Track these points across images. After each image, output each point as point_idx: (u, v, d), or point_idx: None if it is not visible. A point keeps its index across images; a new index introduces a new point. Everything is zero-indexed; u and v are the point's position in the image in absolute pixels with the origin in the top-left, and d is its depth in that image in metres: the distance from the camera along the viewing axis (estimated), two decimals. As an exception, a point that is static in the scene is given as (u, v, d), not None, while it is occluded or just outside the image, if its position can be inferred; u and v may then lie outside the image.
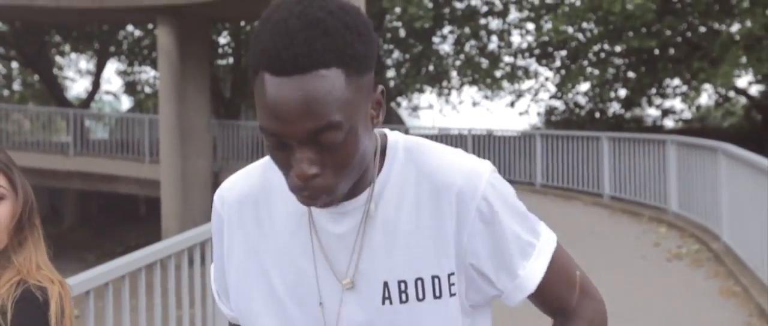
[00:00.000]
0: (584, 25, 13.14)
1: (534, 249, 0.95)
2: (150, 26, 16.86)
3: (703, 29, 12.61)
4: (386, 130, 0.96)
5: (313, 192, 0.82)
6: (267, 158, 0.99)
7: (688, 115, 15.95)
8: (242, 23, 16.65)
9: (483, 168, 0.92)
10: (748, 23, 11.27)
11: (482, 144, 11.89)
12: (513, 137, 11.77)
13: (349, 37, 0.78)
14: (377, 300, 0.91)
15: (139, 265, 2.87)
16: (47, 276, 1.24)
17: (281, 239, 0.95)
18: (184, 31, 11.44)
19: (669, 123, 15.67)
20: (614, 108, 15.08)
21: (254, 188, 0.98)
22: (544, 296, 0.98)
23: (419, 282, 0.91)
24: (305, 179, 0.80)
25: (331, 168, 0.81)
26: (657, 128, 14.95)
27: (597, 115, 14.84)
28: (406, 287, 0.91)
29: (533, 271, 0.94)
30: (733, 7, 11.96)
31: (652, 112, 15.79)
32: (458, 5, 15.87)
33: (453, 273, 0.91)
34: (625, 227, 7.63)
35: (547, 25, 13.49)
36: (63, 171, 13.69)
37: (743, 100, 15.32)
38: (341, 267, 0.92)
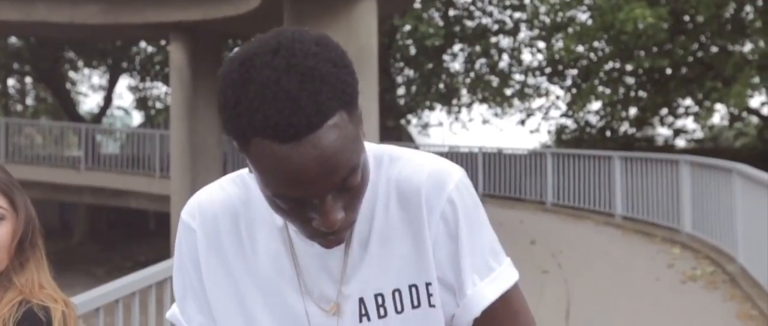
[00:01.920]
0: (595, 44, 13.12)
1: (491, 272, 0.89)
2: (162, 42, 17.00)
3: (715, 49, 12.56)
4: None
5: (339, 236, 0.79)
6: (241, 173, 0.92)
7: (699, 134, 15.85)
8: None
9: (451, 171, 0.88)
10: (761, 43, 11.22)
11: (492, 162, 11.84)
12: (523, 155, 11.72)
13: (342, 75, 0.73)
14: (355, 320, 0.87)
15: (149, 282, 2.85)
16: (50, 296, 1.22)
17: (262, 260, 0.88)
18: (197, 48, 11.52)
19: (681, 143, 15.58)
20: (625, 127, 15.01)
21: (231, 201, 0.89)
22: None
23: (396, 294, 0.87)
24: (334, 228, 0.76)
25: (351, 206, 0.79)
26: (668, 148, 14.86)
27: (608, 134, 14.77)
28: (383, 300, 0.87)
29: (483, 294, 0.87)
30: (745, 27, 11.91)
31: (664, 132, 15.71)
32: (469, 23, 15.91)
33: (430, 283, 0.87)
34: (638, 247, 7.54)
35: (559, 44, 13.49)
36: (74, 185, 13.74)
37: (755, 120, 15.21)
38: (325, 291, 0.87)
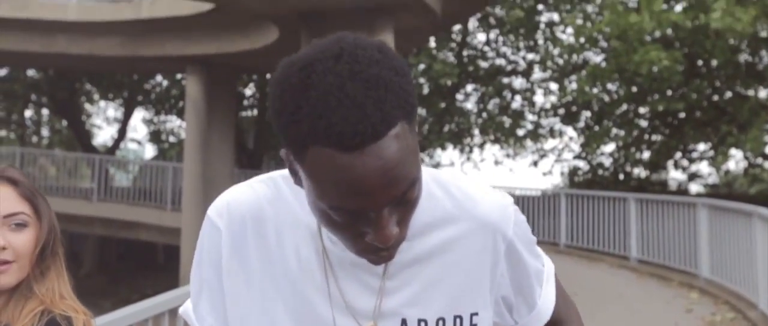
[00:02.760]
0: (609, 85, 13.12)
1: (543, 275, 0.96)
2: (178, 76, 17.19)
3: (729, 94, 12.53)
4: None
5: (391, 251, 0.76)
6: (272, 175, 0.88)
7: (713, 179, 15.70)
8: (268, 75, 16.88)
9: (510, 202, 0.90)
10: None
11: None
12: (536, 197, 11.64)
13: (404, 85, 0.71)
14: None
15: (162, 309, 2.78)
16: (71, 306, 1.19)
17: (290, 266, 0.84)
18: (212, 81, 11.62)
19: (695, 187, 15.43)
20: (639, 170, 14.91)
21: (260, 203, 0.85)
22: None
23: (440, 323, 0.85)
24: (389, 243, 0.73)
25: (404, 221, 0.76)
26: (682, 192, 14.71)
27: (621, 176, 14.67)
28: None
29: (548, 298, 0.95)
30: (761, 71, 11.89)
31: (678, 176, 15.58)
32: (482, 64, 16.00)
33: (476, 314, 0.86)
34: (654, 291, 7.39)
35: (572, 86, 13.48)
36: (85, 216, 13.76)
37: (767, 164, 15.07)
38: (362, 307, 0.83)
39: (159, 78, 18.63)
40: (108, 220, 13.69)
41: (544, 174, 18.70)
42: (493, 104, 16.10)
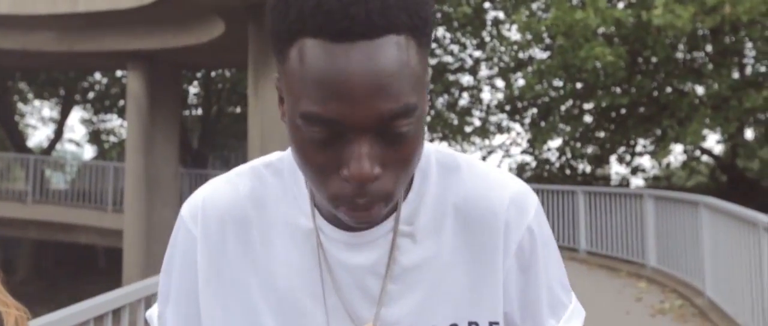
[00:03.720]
0: (555, 82, 13.34)
1: (566, 311, 0.79)
2: (118, 73, 16.61)
3: (669, 90, 12.91)
4: None
5: (370, 201, 0.62)
6: (254, 164, 0.77)
7: (654, 173, 16.17)
8: (213, 74, 16.52)
9: (530, 193, 0.77)
10: (715, 85, 11.57)
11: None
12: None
13: None
14: None
15: (104, 310, 2.60)
16: (2, 300, 1.04)
17: (280, 272, 0.73)
18: (155, 78, 11.25)
19: (636, 181, 15.87)
20: (584, 165, 15.22)
21: (242, 201, 0.75)
22: None
23: None
24: (366, 180, 0.60)
25: (392, 169, 0.63)
26: (625, 186, 15.09)
27: (567, 171, 14.94)
28: None
29: None
30: (698, 68, 12.29)
31: (620, 171, 15.99)
32: (430, 60, 16.04)
33: (497, 323, 0.74)
34: (604, 282, 7.50)
35: (519, 82, 13.64)
36: (19, 219, 13.14)
37: (706, 159, 15.62)
38: (360, 313, 0.73)
39: (98, 75, 17.97)
40: (44, 223, 13.10)
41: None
42: (440, 102, 16.16)
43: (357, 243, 0.72)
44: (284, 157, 0.77)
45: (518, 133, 15.85)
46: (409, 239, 0.73)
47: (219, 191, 0.76)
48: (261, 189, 0.75)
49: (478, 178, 0.75)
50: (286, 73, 0.62)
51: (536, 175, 14.99)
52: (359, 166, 0.60)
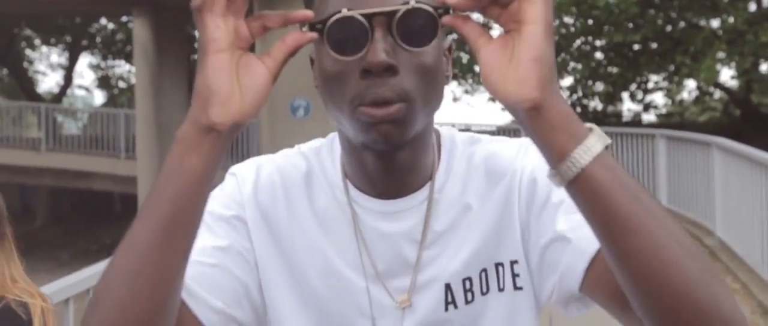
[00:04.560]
0: (566, 19, 13.10)
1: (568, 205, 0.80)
2: (124, 19, 16.46)
3: (683, 24, 12.65)
4: (436, 127, 0.85)
5: (389, 96, 0.70)
6: (297, 148, 0.86)
7: (666, 109, 16.03)
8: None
9: (527, 141, 0.83)
10: (730, 18, 11.31)
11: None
12: (493, 132, 11.69)
13: None
14: (440, 309, 0.80)
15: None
16: (26, 290, 1.07)
17: (320, 242, 0.81)
18: (161, 24, 11.14)
19: (649, 117, 15.74)
20: (595, 102, 15.10)
21: (291, 175, 0.83)
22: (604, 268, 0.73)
23: (483, 274, 0.81)
24: (380, 66, 0.69)
25: (409, 72, 0.71)
26: (636, 123, 15.00)
27: (578, 109, 14.85)
28: (471, 284, 0.80)
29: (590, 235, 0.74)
30: (714, 2, 12.00)
31: (633, 107, 15.85)
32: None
33: (517, 262, 0.81)
34: (614, 222, 7.57)
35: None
36: (34, 167, 13.31)
37: (719, 93, 15.44)
38: (395, 280, 0.80)
39: (104, 21, 17.82)
40: (59, 171, 13.27)
41: (502, 109, 18.79)
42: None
43: (392, 211, 0.79)
44: (323, 141, 0.86)
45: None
46: (441, 206, 0.80)
47: (271, 162, 0.84)
48: (306, 165, 0.84)
49: (496, 142, 0.85)
50: (317, 3, 0.73)
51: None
52: (375, 54, 0.69)
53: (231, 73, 0.67)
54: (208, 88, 0.68)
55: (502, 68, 0.65)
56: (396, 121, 0.71)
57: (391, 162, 0.77)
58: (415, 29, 0.69)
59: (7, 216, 1.12)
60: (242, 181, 0.82)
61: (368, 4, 0.70)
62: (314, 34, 0.69)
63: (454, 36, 0.79)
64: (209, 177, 0.67)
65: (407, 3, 0.69)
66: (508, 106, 0.65)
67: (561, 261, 0.76)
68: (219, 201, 0.81)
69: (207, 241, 0.78)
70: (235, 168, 0.84)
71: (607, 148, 0.65)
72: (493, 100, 16.61)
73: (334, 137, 0.85)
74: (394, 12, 0.68)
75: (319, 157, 0.84)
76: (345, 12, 0.68)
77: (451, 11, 0.69)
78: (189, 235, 0.67)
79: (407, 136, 0.73)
